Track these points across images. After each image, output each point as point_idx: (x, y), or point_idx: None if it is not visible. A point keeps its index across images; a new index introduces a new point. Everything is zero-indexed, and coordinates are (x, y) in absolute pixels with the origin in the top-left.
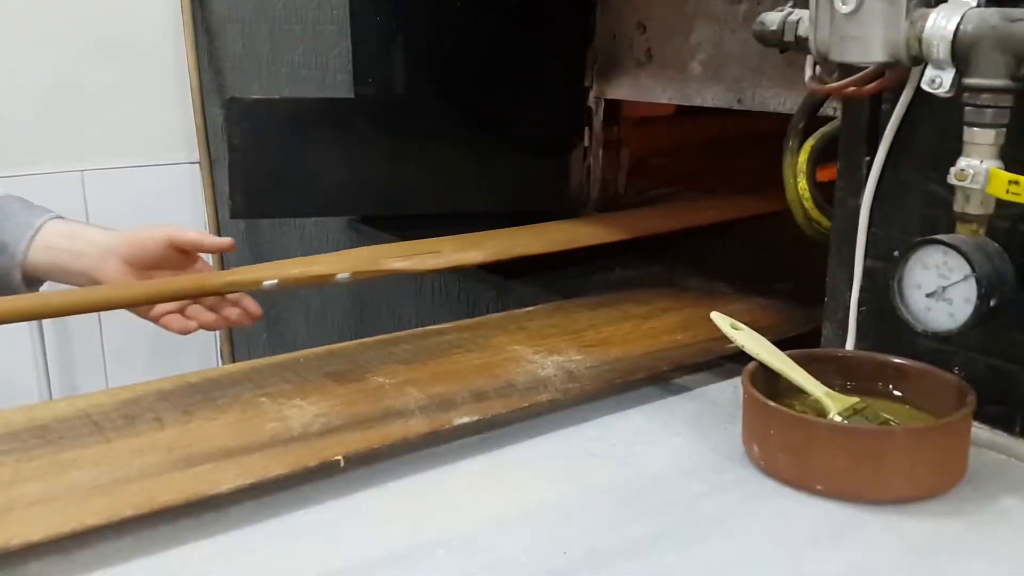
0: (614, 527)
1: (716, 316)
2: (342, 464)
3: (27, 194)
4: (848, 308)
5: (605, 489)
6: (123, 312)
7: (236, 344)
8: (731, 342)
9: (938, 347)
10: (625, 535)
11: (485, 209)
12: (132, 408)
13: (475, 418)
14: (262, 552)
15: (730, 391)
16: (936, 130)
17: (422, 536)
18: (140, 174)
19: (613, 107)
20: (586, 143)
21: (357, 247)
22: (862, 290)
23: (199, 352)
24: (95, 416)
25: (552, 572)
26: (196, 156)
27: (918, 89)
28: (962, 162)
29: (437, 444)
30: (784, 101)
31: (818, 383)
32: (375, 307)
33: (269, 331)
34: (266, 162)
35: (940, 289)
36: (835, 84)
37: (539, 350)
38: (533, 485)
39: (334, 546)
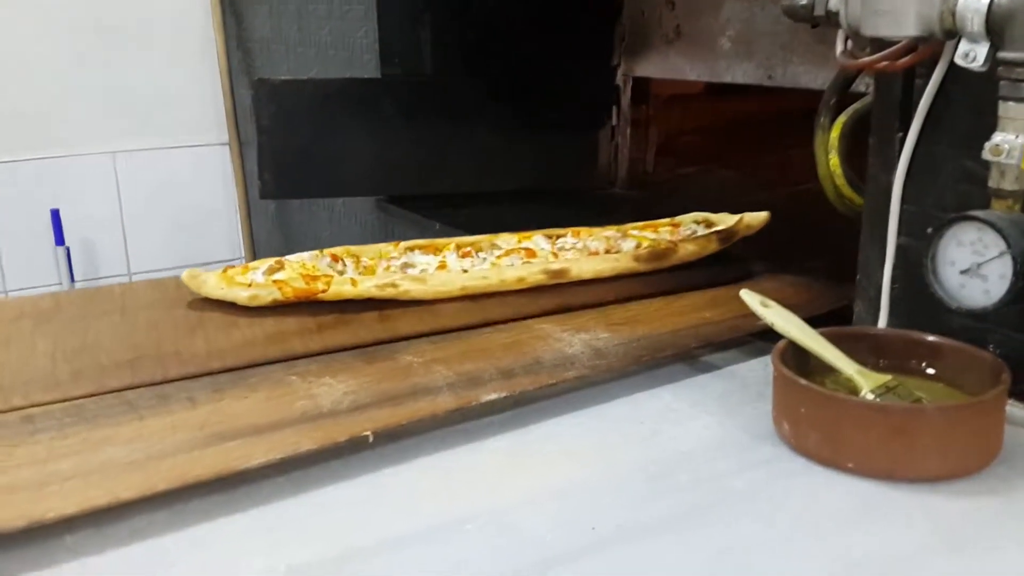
0: (642, 504)
1: (745, 293)
2: (371, 440)
3: (60, 176)
4: (880, 286)
5: (633, 466)
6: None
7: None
8: (761, 320)
9: (972, 324)
10: (653, 512)
11: (513, 188)
12: (165, 388)
13: (503, 395)
14: (292, 526)
15: (760, 369)
16: (970, 105)
17: (450, 512)
18: (171, 155)
19: (641, 85)
20: (614, 122)
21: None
22: (894, 267)
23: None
24: (129, 395)
25: (580, 548)
26: (226, 137)
27: (952, 63)
28: (997, 137)
29: (465, 421)
30: (815, 77)
31: (850, 360)
32: None
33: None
34: (294, 143)
35: (975, 266)
36: (867, 59)
37: (567, 328)
38: (561, 462)
39: (363, 521)
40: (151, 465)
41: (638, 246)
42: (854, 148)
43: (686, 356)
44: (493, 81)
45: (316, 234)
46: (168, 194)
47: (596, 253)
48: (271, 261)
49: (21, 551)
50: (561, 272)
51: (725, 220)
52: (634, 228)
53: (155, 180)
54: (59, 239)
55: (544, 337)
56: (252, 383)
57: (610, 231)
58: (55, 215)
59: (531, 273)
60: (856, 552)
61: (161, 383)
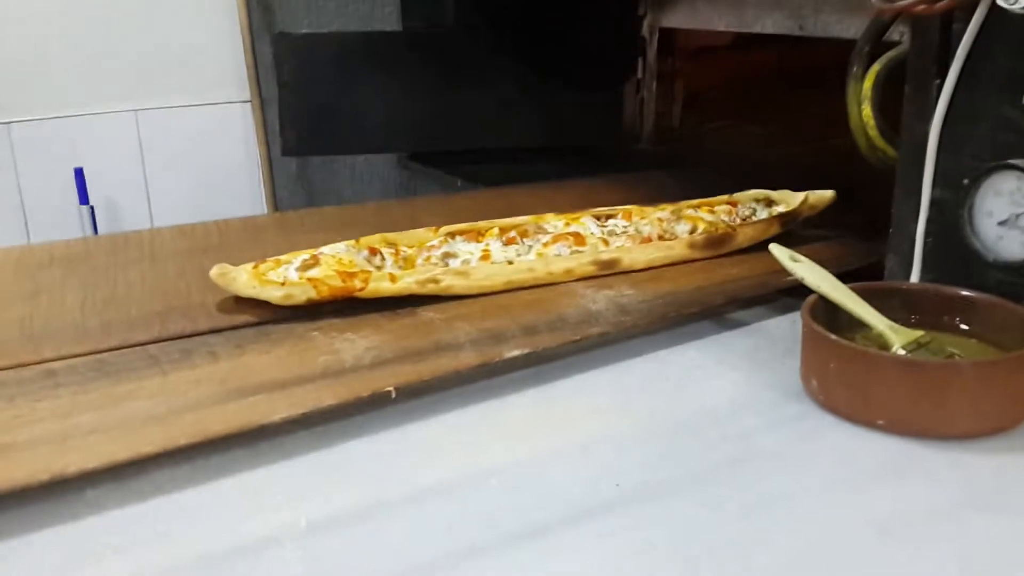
0: (667, 461)
1: (775, 248)
2: (393, 395)
3: (83, 134)
4: (913, 239)
5: (658, 423)
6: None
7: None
8: (790, 275)
9: (1008, 279)
10: (679, 469)
11: (536, 144)
12: (188, 343)
13: (526, 351)
14: (313, 480)
15: (787, 326)
16: (1012, 50)
17: (473, 466)
18: (193, 113)
19: (668, 37)
20: (639, 75)
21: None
22: (928, 220)
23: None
24: (152, 350)
25: (604, 504)
26: (247, 95)
27: (993, 5)
28: None
29: (488, 377)
30: (847, 27)
31: (881, 316)
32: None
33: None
34: (316, 98)
35: (1013, 216)
36: (904, 2)
37: (591, 285)
38: (585, 418)
39: (385, 475)
40: (172, 420)
41: (693, 230)
42: (887, 99)
43: (713, 313)
44: (516, 33)
45: (338, 191)
46: (191, 152)
47: (649, 239)
48: (305, 255)
49: (43, 505)
50: (612, 263)
51: (787, 199)
52: (689, 207)
53: (178, 138)
54: (83, 198)
55: (568, 294)
56: (274, 338)
57: (663, 211)
58: (79, 173)
59: (580, 264)
60: (885, 510)
61: (190, 336)
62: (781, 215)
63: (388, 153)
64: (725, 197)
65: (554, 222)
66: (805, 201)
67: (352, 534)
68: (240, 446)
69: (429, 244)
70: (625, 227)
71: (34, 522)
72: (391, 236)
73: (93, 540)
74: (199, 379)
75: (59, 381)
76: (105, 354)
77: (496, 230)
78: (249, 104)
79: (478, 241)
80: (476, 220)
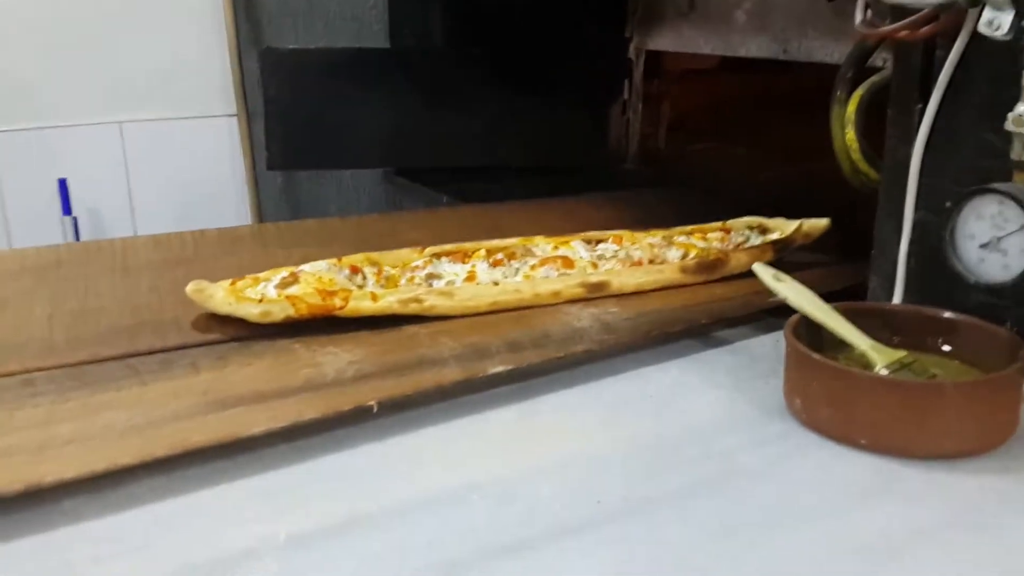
0: (649, 478)
1: (759, 267)
2: (375, 409)
3: (67, 145)
4: (896, 261)
5: (640, 440)
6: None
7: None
8: (773, 295)
9: (989, 300)
10: (660, 486)
11: (522, 163)
12: (169, 353)
13: (509, 367)
14: (293, 494)
15: (771, 345)
16: (992, 76)
17: (455, 481)
18: (179, 126)
19: (654, 59)
20: (626, 96)
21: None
22: (911, 242)
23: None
24: (132, 360)
25: (585, 520)
26: (234, 109)
27: (975, 32)
28: (1020, 107)
29: (471, 393)
30: (831, 52)
31: (864, 336)
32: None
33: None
34: (302, 113)
35: (995, 239)
36: (887, 28)
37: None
38: (567, 435)
39: (365, 490)
40: (151, 431)
41: (685, 255)
42: (870, 123)
43: (697, 332)
44: (504, 53)
45: (324, 207)
46: (176, 165)
47: (639, 263)
48: (284, 272)
49: (19, 515)
50: (600, 285)
51: (781, 226)
52: (681, 234)
53: (163, 151)
54: (66, 209)
55: (553, 311)
56: (256, 351)
57: (655, 237)
58: (62, 184)
59: (568, 287)
60: (867, 529)
61: (160, 351)
62: (775, 242)
63: (374, 168)
64: (718, 224)
65: (543, 245)
66: (799, 229)
67: (331, 548)
68: (220, 458)
69: (413, 264)
70: (615, 251)
71: (9, 532)
72: (374, 255)
73: (69, 550)
74: (179, 390)
75: (38, 390)
76: (87, 364)
77: (483, 251)
78: (235, 118)
79: (464, 262)
80: (460, 237)
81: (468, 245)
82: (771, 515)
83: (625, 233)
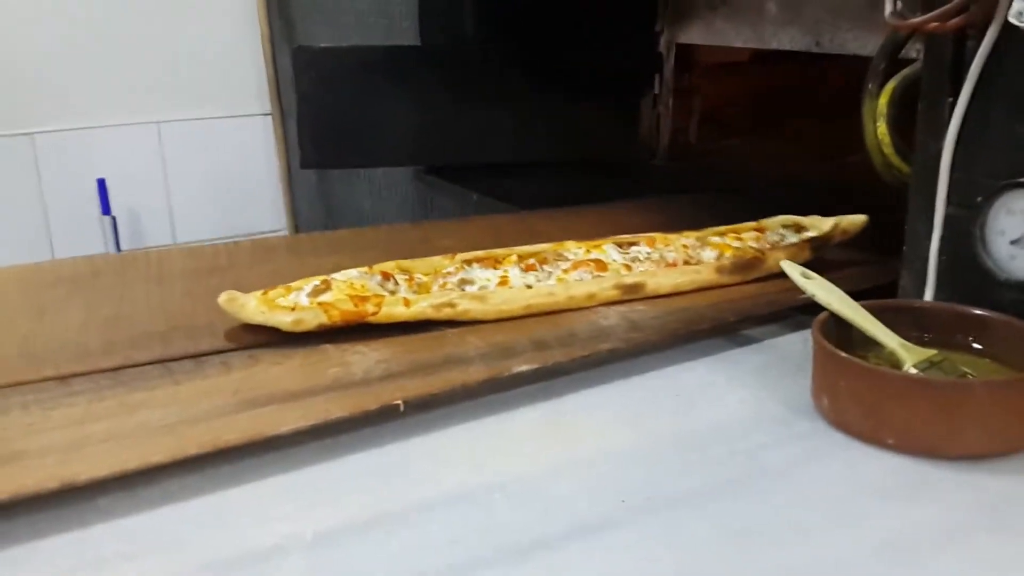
0: (674, 476)
1: (787, 264)
2: (402, 409)
3: (106, 146)
4: (927, 257)
5: (666, 439)
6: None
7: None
8: (802, 293)
9: (1020, 298)
10: (685, 485)
11: (553, 158)
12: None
13: (535, 366)
14: (320, 491)
15: (799, 343)
16: None
17: (479, 480)
18: (215, 126)
19: (685, 53)
20: (657, 90)
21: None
22: (942, 239)
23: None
24: (167, 363)
25: (608, 519)
26: (268, 108)
27: (1006, 23)
28: None
29: (496, 392)
30: (864, 44)
31: (893, 334)
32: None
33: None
34: (335, 111)
35: None
36: (917, 19)
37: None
38: (592, 433)
39: (391, 487)
40: (183, 429)
41: (719, 256)
42: (903, 116)
43: (725, 330)
44: (534, 49)
45: (358, 206)
46: (213, 164)
47: (674, 264)
48: (316, 281)
49: (54, 512)
50: (636, 287)
51: (817, 224)
52: (715, 235)
53: (200, 150)
54: (105, 208)
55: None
56: (286, 350)
57: (688, 238)
58: (101, 184)
59: (602, 289)
60: (894, 530)
61: (194, 356)
62: (811, 239)
63: (406, 166)
64: (752, 224)
65: (575, 249)
66: (836, 226)
67: (356, 545)
68: (249, 456)
69: (445, 271)
70: (648, 254)
71: (44, 529)
72: (405, 263)
73: (102, 547)
74: (211, 390)
75: (73, 390)
76: (122, 364)
77: (514, 257)
78: (270, 117)
79: (496, 268)
80: (492, 243)
81: (499, 251)
82: (796, 516)
83: (658, 236)
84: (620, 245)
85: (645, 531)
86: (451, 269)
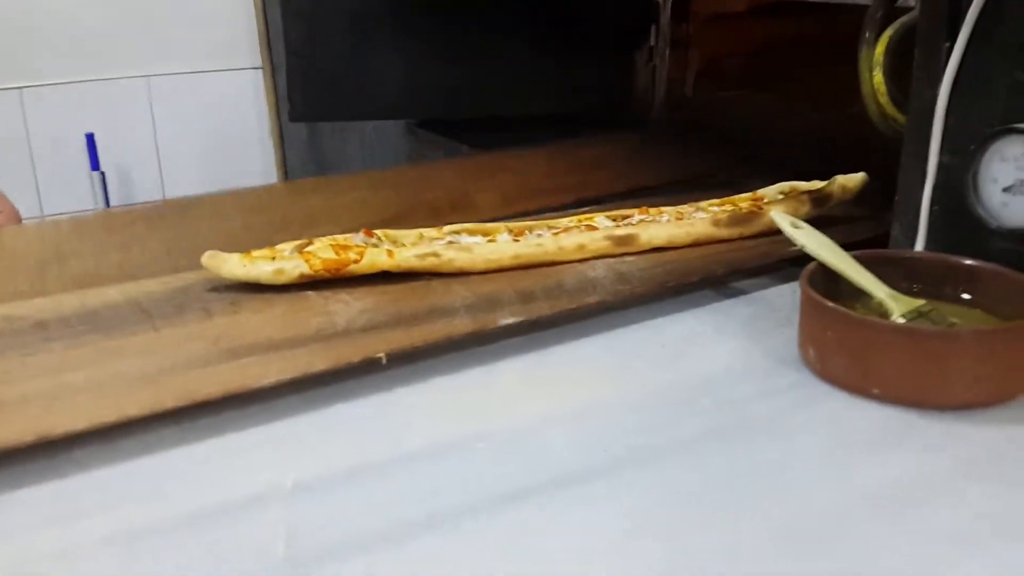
0: (659, 427)
1: (776, 214)
2: (384, 361)
3: (95, 100)
4: (919, 207)
5: (651, 390)
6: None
7: None
8: (792, 245)
9: (1011, 247)
10: (670, 435)
11: (545, 111)
12: (182, 297)
13: (520, 319)
14: (301, 443)
15: (788, 295)
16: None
17: (462, 431)
18: (204, 79)
19: (683, 2)
20: (652, 41)
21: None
22: (935, 188)
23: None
24: (145, 304)
25: (591, 469)
26: (259, 62)
27: None
28: None
29: (481, 344)
30: None
31: (881, 284)
32: None
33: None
34: (325, 63)
35: (1018, 183)
36: None
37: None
38: (577, 385)
39: (372, 438)
40: (162, 380)
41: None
42: (900, 66)
43: (714, 282)
44: None
45: (348, 160)
46: (202, 118)
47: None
48: (301, 241)
49: (30, 463)
50: (628, 239)
51: (816, 187)
52: (712, 204)
53: (189, 104)
54: (94, 164)
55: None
56: (268, 297)
57: (683, 206)
58: (90, 139)
59: (593, 240)
60: (879, 481)
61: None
62: (810, 192)
63: (397, 119)
64: (749, 195)
65: (566, 223)
66: (834, 182)
67: (337, 495)
68: (229, 408)
69: (432, 238)
70: (642, 219)
71: (21, 479)
72: (391, 232)
73: (80, 498)
74: (191, 337)
75: (50, 335)
76: (97, 308)
77: (504, 229)
78: (260, 71)
79: (485, 236)
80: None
81: (489, 225)
82: (781, 465)
83: (651, 208)
84: (614, 218)
85: (629, 481)
86: (438, 236)
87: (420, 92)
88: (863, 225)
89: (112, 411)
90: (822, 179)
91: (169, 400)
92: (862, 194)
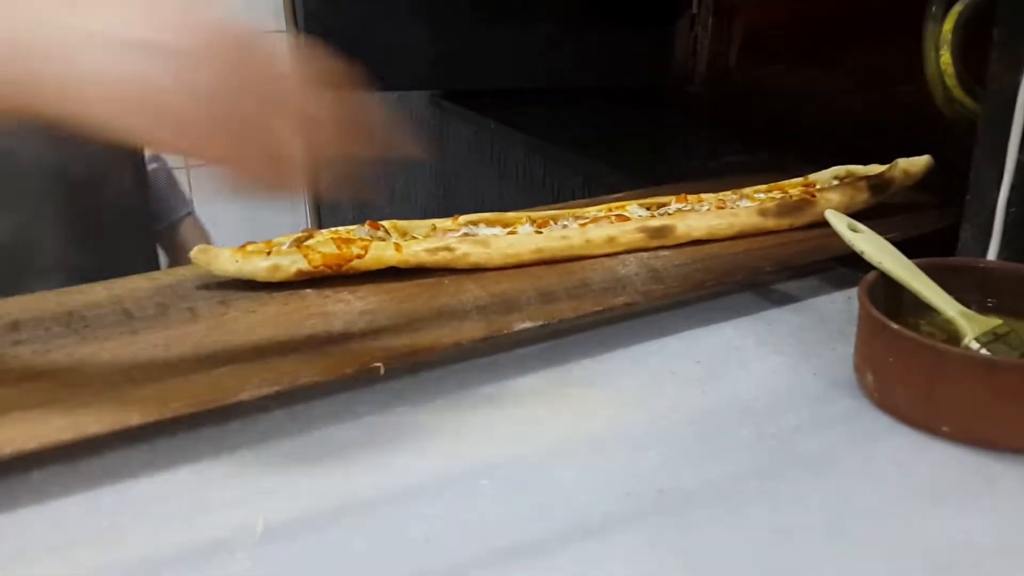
0: (691, 464)
1: (831, 214)
2: (381, 372)
3: None
4: (994, 209)
5: (684, 417)
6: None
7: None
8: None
9: None
10: (703, 475)
11: (578, 85)
12: (168, 296)
13: (538, 323)
14: (279, 472)
15: (842, 303)
16: None
17: (464, 463)
18: None
19: None
20: (694, 10)
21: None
22: (1012, 187)
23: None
24: (128, 303)
25: (613, 517)
26: (283, 25)
27: None
28: None
29: (494, 352)
30: None
31: (952, 300)
32: (458, 188)
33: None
34: (345, 32)
35: None
36: None
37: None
38: (599, 407)
39: (361, 469)
40: (129, 392)
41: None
42: (970, 44)
43: (757, 283)
44: None
45: None
46: None
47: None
48: (300, 233)
49: None
50: (663, 230)
51: (875, 171)
52: (758, 191)
53: None
54: None
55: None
56: (262, 296)
57: (726, 193)
58: None
59: (624, 232)
60: (948, 538)
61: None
62: (868, 178)
63: (420, 90)
64: (800, 180)
65: (595, 212)
66: (895, 166)
67: (310, 543)
68: (206, 423)
69: (446, 229)
70: (679, 208)
71: None
72: (401, 223)
73: (28, 533)
74: (170, 341)
75: (21, 337)
76: (76, 309)
77: (525, 219)
78: (285, 35)
79: (504, 228)
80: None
81: (509, 215)
82: (832, 516)
83: (691, 195)
84: (648, 207)
85: (653, 534)
86: (453, 227)
87: (445, 62)
88: (926, 216)
89: (69, 429)
90: (879, 163)
91: (135, 416)
92: (923, 180)
